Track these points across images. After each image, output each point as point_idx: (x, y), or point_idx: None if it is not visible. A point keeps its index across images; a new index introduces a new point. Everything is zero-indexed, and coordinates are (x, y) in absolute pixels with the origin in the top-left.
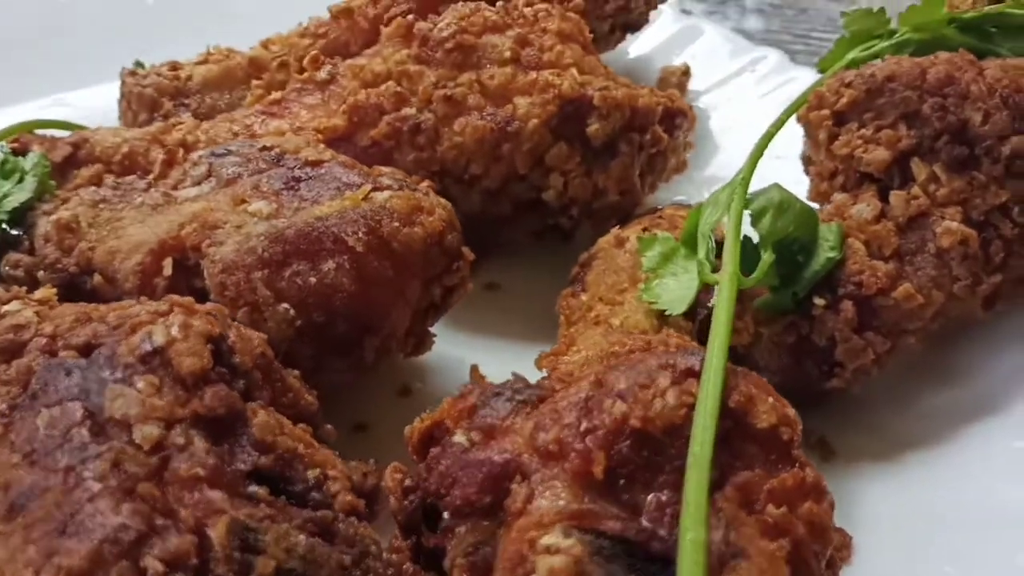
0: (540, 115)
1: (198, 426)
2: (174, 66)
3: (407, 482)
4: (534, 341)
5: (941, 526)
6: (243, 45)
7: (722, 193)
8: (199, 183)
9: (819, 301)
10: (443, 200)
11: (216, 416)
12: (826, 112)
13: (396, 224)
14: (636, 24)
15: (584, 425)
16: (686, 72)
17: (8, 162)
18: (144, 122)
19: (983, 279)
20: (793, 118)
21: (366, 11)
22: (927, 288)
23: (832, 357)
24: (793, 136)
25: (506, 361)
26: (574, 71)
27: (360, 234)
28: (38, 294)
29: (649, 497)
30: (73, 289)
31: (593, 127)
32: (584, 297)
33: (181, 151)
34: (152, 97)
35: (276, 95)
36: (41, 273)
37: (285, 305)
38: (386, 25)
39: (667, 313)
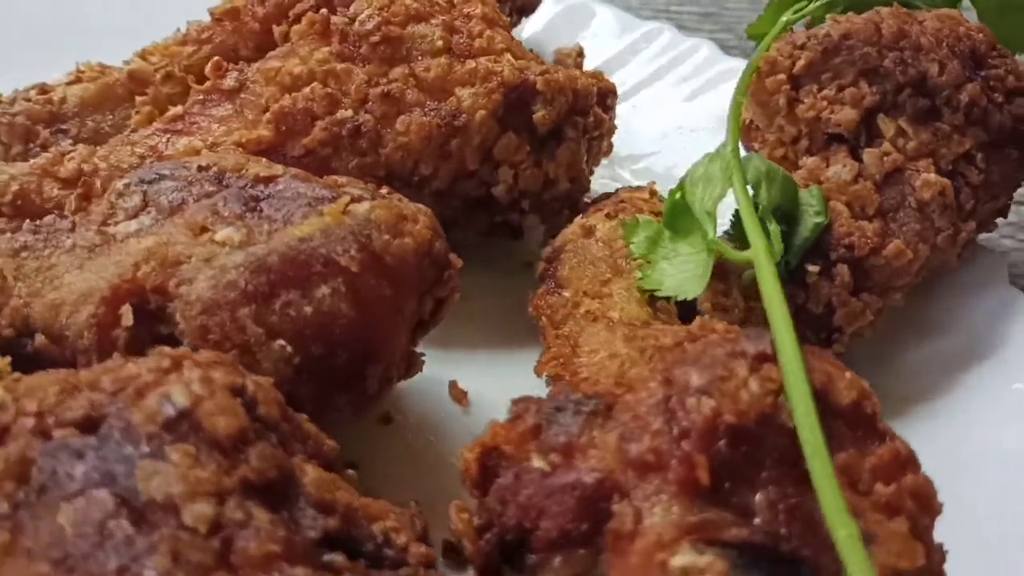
0: (486, 106)
1: (251, 495)
2: (43, 89)
3: (476, 520)
4: (504, 347)
5: (952, 480)
6: (111, 59)
7: (708, 167)
8: (135, 215)
9: (812, 268)
10: (422, 206)
11: (268, 480)
12: (782, 77)
13: (386, 236)
14: (531, 6)
15: (675, 429)
16: (580, 53)
17: None
18: (19, 155)
19: (961, 228)
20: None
21: (254, 10)
22: (914, 242)
23: (830, 323)
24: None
25: (481, 372)
26: (509, 56)
27: (352, 252)
28: None
29: (757, 497)
30: (9, 355)
31: (539, 113)
32: (566, 293)
33: (98, 182)
34: (25, 126)
35: (176, 110)
36: None
37: (280, 342)
38: (281, 24)
39: (678, 299)
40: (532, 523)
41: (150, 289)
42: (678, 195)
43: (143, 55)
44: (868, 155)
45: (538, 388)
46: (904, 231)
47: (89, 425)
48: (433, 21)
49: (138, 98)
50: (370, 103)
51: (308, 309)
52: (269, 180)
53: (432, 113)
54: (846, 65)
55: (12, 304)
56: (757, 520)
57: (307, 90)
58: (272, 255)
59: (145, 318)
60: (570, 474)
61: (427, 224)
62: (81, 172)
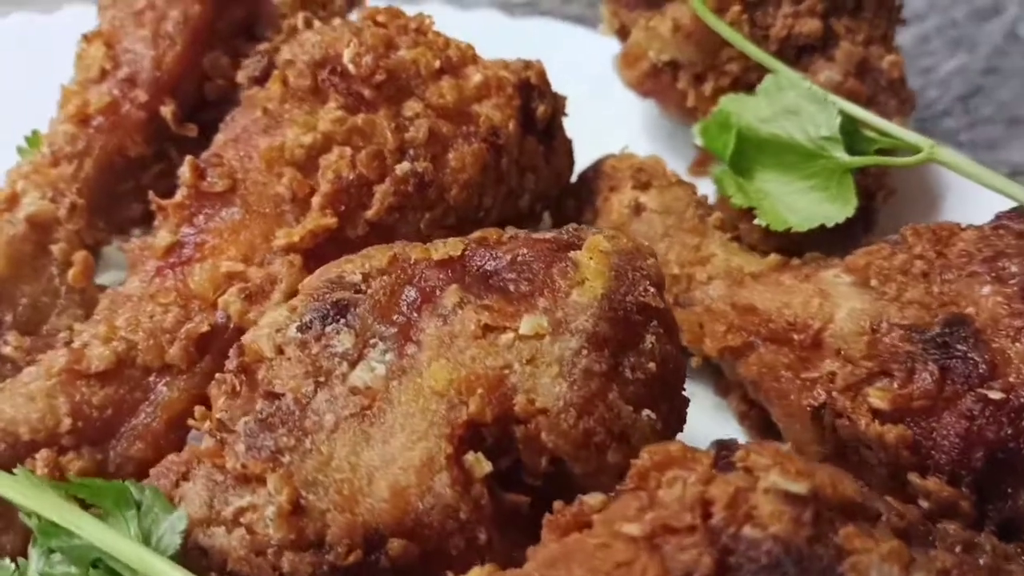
0: (511, 115)
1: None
2: None
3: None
4: None
5: None
6: None
7: (776, 100)
8: (360, 356)
9: None
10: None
11: None
12: (738, 8)
13: (648, 261)
14: None
15: None
16: None
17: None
18: None
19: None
20: None
21: (133, 97)
22: (900, 116)
23: (871, 208)
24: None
25: None
26: (483, 61)
27: (651, 288)
28: None
29: None
30: None
31: (540, 109)
32: (675, 270)
33: (260, 353)
34: None
35: (161, 239)
36: None
37: (647, 411)
38: (168, 104)
39: (828, 224)
40: (1009, 451)
41: (490, 422)
42: (728, 140)
43: (14, 196)
44: (841, 54)
45: None
46: (889, 109)
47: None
48: (405, 43)
49: (53, 247)
50: (415, 148)
51: (651, 365)
52: (458, 259)
53: (473, 138)
54: None
55: (337, 522)
56: None
57: (336, 157)
58: (599, 324)
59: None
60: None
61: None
62: (118, 358)
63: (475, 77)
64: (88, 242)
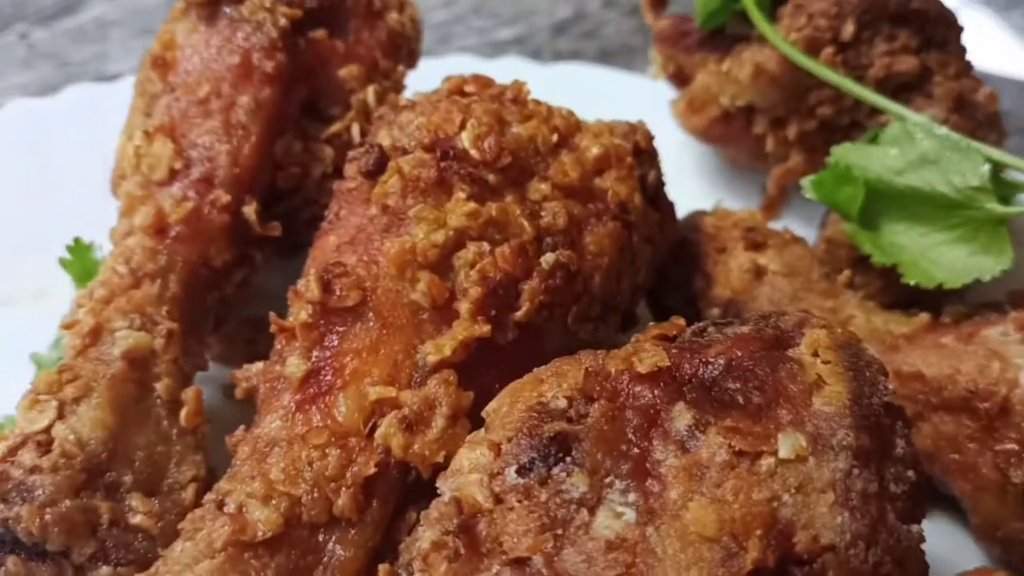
0: (634, 186)
1: None
2: (43, 444)
3: None
4: None
5: None
6: None
7: (911, 149)
8: (599, 502)
9: None
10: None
11: None
12: (831, 50)
13: (869, 350)
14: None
15: None
16: None
17: None
18: (96, 555)
19: None
20: None
21: (212, 199)
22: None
23: None
24: None
25: None
26: (590, 128)
27: (890, 385)
28: None
29: None
30: None
31: (651, 175)
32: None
33: (477, 506)
34: (79, 509)
35: (292, 369)
36: None
37: (916, 527)
38: (251, 203)
39: (986, 279)
40: None
41: (774, 567)
42: (853, 194)
43: (96, 329)
44: (940, 90)
45: None
46: (989, 144)
47: None
48: (513, 117)
49: (157, 385)
50: (549, 237)
51: (910, 473)
52: (667, 370)
53: (605, 216)
54: (877, 20)
55: None
56: None
57: (473, 255)
58: (861, 435)
59: None
60: None
61: None
62: (285, 519)
63: (593, 149)
64: (187, 371)
